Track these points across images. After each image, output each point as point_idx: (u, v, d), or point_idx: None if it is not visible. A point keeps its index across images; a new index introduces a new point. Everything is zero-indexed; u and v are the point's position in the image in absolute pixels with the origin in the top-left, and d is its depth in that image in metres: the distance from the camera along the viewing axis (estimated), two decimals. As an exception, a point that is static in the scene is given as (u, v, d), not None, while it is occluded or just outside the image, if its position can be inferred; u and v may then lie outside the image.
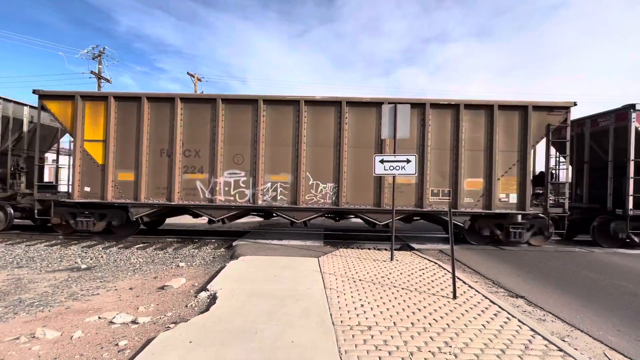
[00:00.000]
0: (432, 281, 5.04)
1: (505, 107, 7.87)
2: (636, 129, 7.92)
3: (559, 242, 8.99)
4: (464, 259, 6.81)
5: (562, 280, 5.53)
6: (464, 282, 4.98)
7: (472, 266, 6.33)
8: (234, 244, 7.83)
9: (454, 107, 7.86)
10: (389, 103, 6.97)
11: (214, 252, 7.40)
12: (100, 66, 25.33)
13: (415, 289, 4.65)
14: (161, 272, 5.73)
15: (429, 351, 2.87)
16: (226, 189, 7.92)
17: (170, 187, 7.86)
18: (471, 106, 7.89)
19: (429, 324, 3.46)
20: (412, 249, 7.86)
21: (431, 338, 3.13)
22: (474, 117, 7.90)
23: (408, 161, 6.19)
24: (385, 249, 7.45)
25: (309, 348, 2.83)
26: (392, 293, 4.43)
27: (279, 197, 7.90)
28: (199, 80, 28.10)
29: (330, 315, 3.60)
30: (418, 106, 7.82)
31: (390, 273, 5.42)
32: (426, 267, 5.86)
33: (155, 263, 6.39)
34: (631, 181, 8.00)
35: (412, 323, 3.47)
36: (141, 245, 8.01)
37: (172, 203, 7.85)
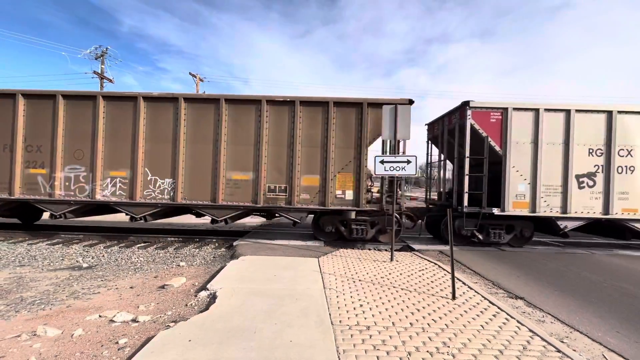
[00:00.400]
0: (432, 282, 5.04)
1: (342, 104, 7.84)
2: (472, 125, 7.92)
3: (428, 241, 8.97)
4: (464, 260, 6.81)
5: (561, 281, 5.52)
6: (464, 283, 4.99)
7: (472, 267, 6.33)
8: (234, 243, 7.86)
9: (290, 104, 7.88)
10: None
11: (215, 251, 7.42)
12: (102, 66, 25.45)
13: (415, 289, 4.66)
14: (162, 271, 5.76)
15: (427, 351, 2.88)
16: (66, 183, 7.96)
17: (12, 182, 7.92)
18: (307, 103, 7.86)
19: (428, 324, 3.47)
20: (412, 249, 7.86)
21: (429, 338, 3.14)
22: (311, 113, 7.89)
23: (408, 162, 6.20)
24: (386, 250, 7.46)
25: (307, 347, 2.85)
26: (392, 293, 4.44)
27: (117, 192, 7.93)
28: (201, 80, 28.19)
29: (329, 315, 3.61)
30: (254, 103, 7.87)
31: (390, 273, 5.43)
32: (426, 268, 5.87)
33: (156, 262, 6.42)
34: (466, 178, 8.08)
35: (410, 323, 3.47)
36: (142, 244, 8.04)
37: (12, 197, 7.91)
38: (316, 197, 7.86)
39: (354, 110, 7.84)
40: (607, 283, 5.45)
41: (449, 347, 2.98)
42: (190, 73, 27.56)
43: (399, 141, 6.90)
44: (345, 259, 6.36)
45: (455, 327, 3.42)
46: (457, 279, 5.00)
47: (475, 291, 4.62)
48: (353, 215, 8.04)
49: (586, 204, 7.85)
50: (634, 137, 7.87)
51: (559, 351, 2.95)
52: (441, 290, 4.65)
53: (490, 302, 4.19)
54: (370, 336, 3.14)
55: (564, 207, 7.81)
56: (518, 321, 3.59)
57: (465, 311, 3.86)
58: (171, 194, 7.88)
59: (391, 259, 6.37)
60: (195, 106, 7.94)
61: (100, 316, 3.66)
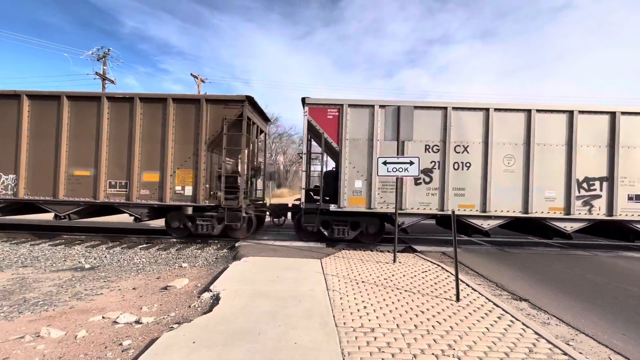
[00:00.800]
0: (435, 283, 5.02)
1: (181, 100, 7.97)
2: (309, 122, 7.93)
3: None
4: (466, 262, 6.78)
5: (565, 283, 5.49)
6: (467, 285, 4.97)
7: (475, 268, 6.30)
8: (236, 244, 7.85)
9: (130, 100, 7.96)
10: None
11: (217, 252, 7.41)
12: (104, 67, 25.53)
13: (418, 291, 4.63)
14: (164, 272, 5.75)
15: (433, 354, 2.86)
16: None
17: None
18: (147, 99, 7.99)
19: (432, 326, 3.45)
20: (414, 251, 7.84)
21: (434, 340, 3.12)
22: (151, 110, 7.98)
23: (411, 163, 6.18)
24: (388, 251, 7.44)
25: (312, 349, 2.83)
26: (395, 295, 4.42)
27: None
28: (203, 81, 28.24)
29: (333, 316, 3.60)
30: (95, 99, 8.01)
31: (393, 275, 5.41)
32: (429, 269, 5.85)
33: (159, 263, 6.41)
34: (304, 175, 8.14)
35: (415, 325, 3.46)
36: (144, 245, 8.04)
37: None
38: (156, 192, 7.95)
39: (193, 107, 7.97)
40: (612, 285, 5.42)
41: (454, 349, 2.96)
42: (191, 74, 27.63)
43: (402, 142, 6.88)
44: (347, 260, 6.34)
45: (460, 329, 3.40)
46: (461, 280, 4.98)
47: (480, 293, 4.59)
48: (190, 210, 8.08)
49: (423, 200, 7.84)
50: (469, 134, 7.86)
51: (565, 354, 2.93)
52: (445, 292, 4.63)
53: (494, 304, 4.17)
54: (375, 338, 3.12)
55: (400, 204, 7.75)
56: (523, 323, 3.56)
57: (469, 313, 3.84)
58: (14, 189, 7.98)
59: (394, 261, 6.35)
60: (38, 103, 8.10)
61: (103, 317, 3.65)
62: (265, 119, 10.62)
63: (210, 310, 3.75)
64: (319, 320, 3.45)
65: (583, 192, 7.86)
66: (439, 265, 6.14)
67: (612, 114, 7.82)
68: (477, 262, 6.81)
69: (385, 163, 6.26)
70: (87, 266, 6.06)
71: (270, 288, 4.53)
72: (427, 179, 7.84)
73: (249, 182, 9.25)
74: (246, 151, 8.43)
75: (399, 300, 4.23)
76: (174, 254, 7.21)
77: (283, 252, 6.98)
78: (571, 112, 7.83)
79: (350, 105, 7.89)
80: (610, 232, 8.58)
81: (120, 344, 3.02)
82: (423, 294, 4.52)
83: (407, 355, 2.83)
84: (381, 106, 7.76)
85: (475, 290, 4.73)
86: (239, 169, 8.64)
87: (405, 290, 4.63)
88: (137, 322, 3.54)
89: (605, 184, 7.85)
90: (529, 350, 2.97)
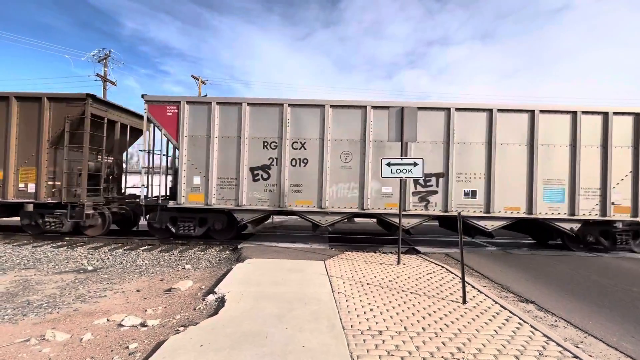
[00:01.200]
0: (441, 285, 4.99)
1: (23, 98, 8.04)
2: (149, 119, 8.00)
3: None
4: (471, 263, 6.75)
5: (571, 285, 5.46)
6: (473, 287, 4.94)
7: (480, 270, 6.27)
8: (239, 246, 7.82)
9: None
10: None
11: (220, 254, 7.38)
12: (105, 69, 25.51)
13: (424, 293, 4.61)
14: (167, 274, 5.72)
15: (442, 357, 2.83)
16: None
17: None
18: None
19: (440, 329, 3.42)
20: (418, 252, 7.81)
21: (443, 343, 3.09)
22: None
23: (415, 164, 6.16)
24: (392, 253, 7.41)
25: (320, 353, 2.81)
26: (401, 297, 4.39)
27: None
28: (203, 83, 28.22)
29: (340, 319, 3.57)
30: None
31: (397, 277, 5.38)
32: (433, 271, 5.82)
33: (161, 265, 6.38)
34: (143, 170, 8.24)
35: (422, 328, 3.43)
36: (147, 247, 8.01)
37: None
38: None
39: (36, 105, 8.03)
40: (618, 287, 5.39)
41: (464, 352, 2.93)
42: (192, 76, 27.60)
43: (406, 143, 6.86)
44: (351, 262, 6.31)
45: (468, 331, 3.37)
46: (467, 282, 4.95)
47: (486, 295, 4.57)
48: (31, 207, 8.30)
49: (260, 197, 7.87)
50: (306, 131, 7.88)
51: (575, 357, 2.90)
52: (450, 294, 4.60)
53: (501, 306, 4.14)
54: (383, 341, 3.10)
55: (238, 200, 7.81)
56: (531, 326, 3.53)
57: (477, 315, 3.81)
58: None
59: (398, 262, 6.32)
60: None
61: (108, 320, 3.62)
62: (140, 117, 10.37)
63: (215, 312, 3.73)
64: (326, 323, 3.42)
65: (420, 188, 7.89)
66: (443, 267, 6.11)
67: (447, 110, 7.84)
68: (482, 264, 6.78)
69: (389, 164, 6.24)
70: (89, 268, 6.04)
71: (275, 290, 4.50)
72: (265, 175, 7.91)
73: (108, 180, 9.43)
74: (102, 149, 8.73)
75: (405, 302, 4.20)
76: (177, 256, 7.17)
77: (286, 254, 6.95)
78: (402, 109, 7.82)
79: (188, 103, 7.93)
80: (533, 230, 8.93)
81: (127, 347, 3.00)
82: (429, 296, 4.49)
83: (417, 358, 2.80)
84: (219, 103, 7.90)
85: (481, 292, 4.70)
86: (101, 167, 8.88)
87: (411, 292, 4.60)
88: (143, 324, 3.51)
89: (441, 180, 7.87)
90: (539, 354, 2.94)
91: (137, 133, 10.64)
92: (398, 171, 6.20)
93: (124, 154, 10.58)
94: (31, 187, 8.04)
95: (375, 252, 7.59)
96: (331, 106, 7.87)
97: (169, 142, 8.54)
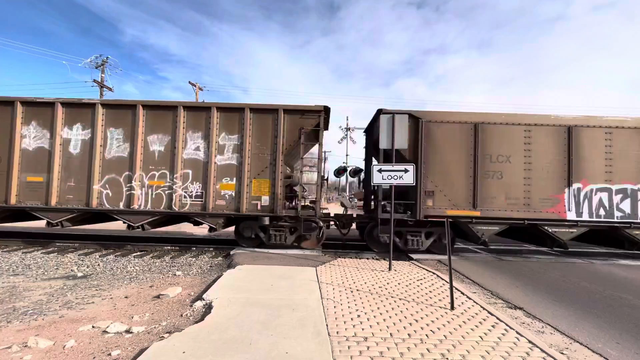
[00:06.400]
0: (430, 292, 5.00)
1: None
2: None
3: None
4: (462, 270, 6.76)
5: (560, 291, 5.48)
6: (462, 293, 4.94)
7: (471, 277, 6.28)
8: (231, 252, 7.79)
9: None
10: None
11: (211, 260, 7.35)
12: (102, 75, 25.60)
13: (413, 299, 4.61)
14: (157, 280, 5.69)
15: (426, 363, 2.83)
16: None
17: None
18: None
19: (427, 335, 3.42)
20: (410, 259, 7.81)
21: (428, 350, 3.09)
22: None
23: (406, 171, 6.20)
24: (384, 259, 7.42)
25: (303, 359, 2.80)
26: (390, 303, 4.39)
27: None
28: (201, 89, 28.35)
29: (327, 325, 3.56)
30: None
31: (388, 283, 5.38)
32: (424, 278, 5.82)
33: (152, 271, 6.35)
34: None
35: (409, 334, 3.43)
36: (138, 253, 7.97)
37: None
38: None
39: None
40: (607, 293, 5.42)
41: (447, 358, 2.93)
42: (189, 82, 27.74)
43: (397, 150, 6.92)
44: (343, 268, 6.31)
45: (454, 337, 3.37)
46: (456, 288, 4.95)
47: (474, 301, 4.57)
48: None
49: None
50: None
51: (559, 363, 2.91)
52: (439, 300, 4.60)
53: (489, 312, 4.15)
54: (368, 347, 3.09)
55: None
56: (517, 332, 3.54)
57: (464, 321, 3.82)
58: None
59: (389, 269, 6.32)
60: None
61: (93, 327, 3.59)
62: None
63: (202, 319, 3.71)
64: (312, 330, 3.42)
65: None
66: (434, 273, 6.12)
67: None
68: (473, 270, 6.78)
69: (380, 171, 6.28)
70: (79, 274, 5.99)
71: (264, 297, 4.48)
72: None
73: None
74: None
75: (393, 308, 4.20)
76: (168, 262, 7.14)
77: (278, 260, 6.94)
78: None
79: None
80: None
81: (109, 354, 2.97)
82: (417, 302, 4.49)
83: (400, 364, 2.80)
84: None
85: (470, 298, 4.71)
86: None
87: (400, 299, 4.60)
88: (128, 331, 3.48)
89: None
90: (523, 359, 2.95)
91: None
92: (389, 177, 6.24)
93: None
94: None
95: (367, 259, 7.59)
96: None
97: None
